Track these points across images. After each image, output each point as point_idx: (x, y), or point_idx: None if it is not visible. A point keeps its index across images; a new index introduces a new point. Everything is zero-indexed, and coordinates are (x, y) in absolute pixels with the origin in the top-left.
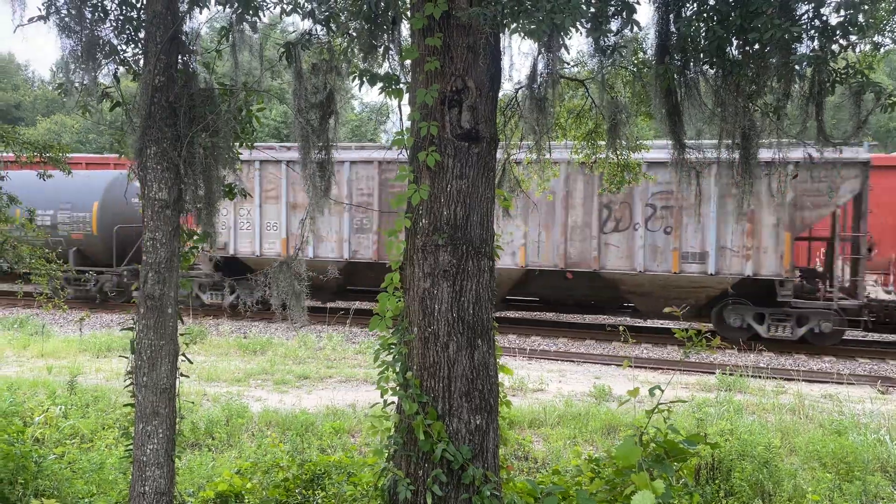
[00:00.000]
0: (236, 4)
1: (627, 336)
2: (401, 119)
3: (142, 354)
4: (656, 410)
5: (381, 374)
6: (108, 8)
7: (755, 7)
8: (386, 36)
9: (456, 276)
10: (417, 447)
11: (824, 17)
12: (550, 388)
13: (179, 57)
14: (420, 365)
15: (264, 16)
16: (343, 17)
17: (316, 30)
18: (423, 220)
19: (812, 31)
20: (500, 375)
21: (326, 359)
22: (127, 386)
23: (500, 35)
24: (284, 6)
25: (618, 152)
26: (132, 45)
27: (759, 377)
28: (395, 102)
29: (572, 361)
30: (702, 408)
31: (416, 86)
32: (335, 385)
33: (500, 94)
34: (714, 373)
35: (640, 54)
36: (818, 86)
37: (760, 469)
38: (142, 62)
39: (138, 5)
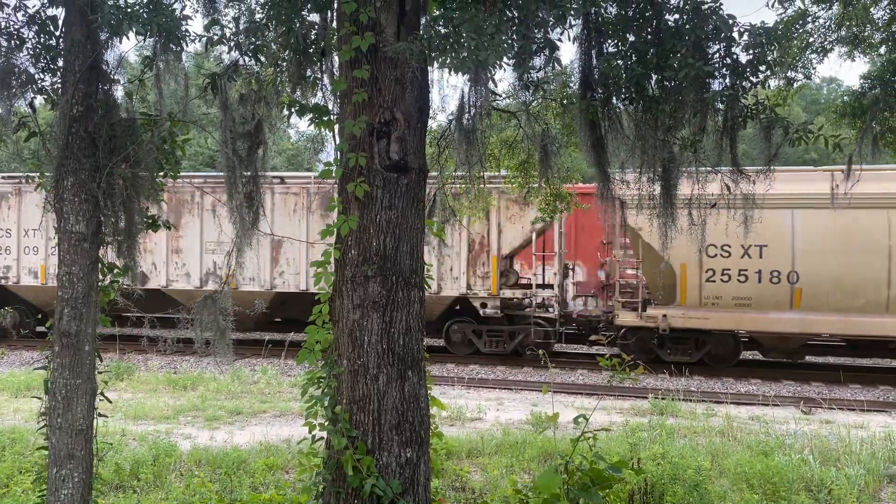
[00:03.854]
0: (158, 34)
1: (547, 361)
2: (335, 149)
3: (56, 395)
4: (582, 438)
5: (309, 409)
6: (26, 36)
7: (670, 46)
8: (316, 67)
9: (386, 307)
10: (346, 483)
11: (735, 56)
12: (489, 417)
13: (100, 86)
14: (349, 398)
15: (188, 46)
16: (273, 49)
17: (244, 60)
18: (353, 251)
19: (724, 69)
20: (433, 408)
21: (261, 393)
22: (41, 428)
23: (428, 68)
24: (211, 37)
25: (549, 182)
26: (50, 74)
27: (690, 401)
28: (327, 132)
29: (510, 389)
30: (635, 432)
31: (345, 117)
32: (269, 420)
33: (435, 125)
34: (647, 397)
35: (567, 89)
36: (731, 120)
37: (691, 492)
38: (60, 91)
39: (57, 33)
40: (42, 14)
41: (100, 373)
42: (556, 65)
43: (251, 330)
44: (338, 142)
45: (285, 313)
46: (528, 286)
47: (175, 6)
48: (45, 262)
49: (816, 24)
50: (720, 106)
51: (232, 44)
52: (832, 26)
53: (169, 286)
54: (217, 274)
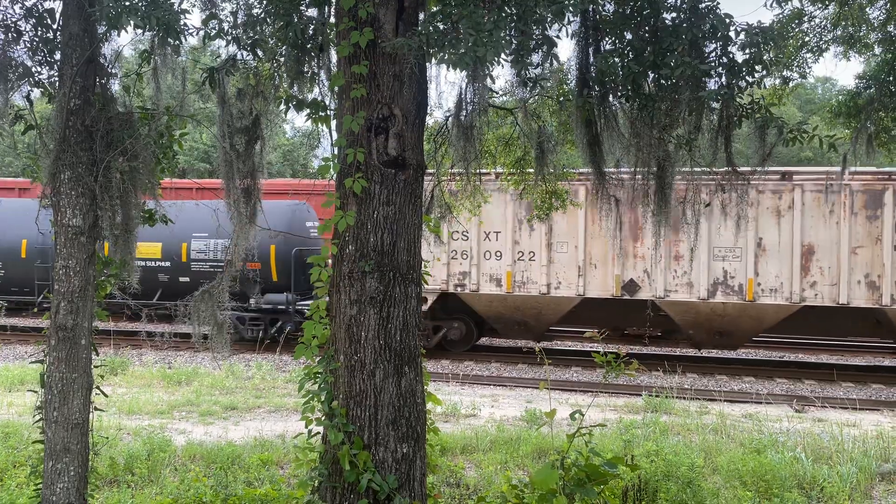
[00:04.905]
0: (157, 28)
1: (544, 358)
2: (331, 145)
3: (52, 388)
4: (578, 434)
5: (305, 404)
6: (23, 29)
7: (667, 45)
8: (314, 62)
9: (383, 302)
10: (343, 478)
11: (731, 55)
12: (483, 414)
13: (97, 80)
14: (346, 393)
15: (186, 40)
16: (270, 44)
17: (242, 55)
18: (350, 247)
19: (720, 68)
20: (429, 403)
21: (255, 388)
22: (37, 421)
23: (427, 64)
24: (208, 31)
25: (546, 179)
26: (47, 67)
27: (684, 398)
28: (324, 128)
29: (505, 386)
30: (629, 429)
31: (343, 112)
32: (264, 415)
33: (431, 121)
34: (641, 395)
35: (564, 86)
36: (726, 119)
37: (684, 489)
38: (57, 84)
39: (54, 27)
40: (39, 7)
41: (96, 367)
42: (553, 61)
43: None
44: (334, 137)
45: (809, 330)
46: None
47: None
48: (511, 268)
49: (812, 23)
50: (715, 105)
51: (230, 38)
52: (828, 26)
53: (666, 297)
54: (728, 283)
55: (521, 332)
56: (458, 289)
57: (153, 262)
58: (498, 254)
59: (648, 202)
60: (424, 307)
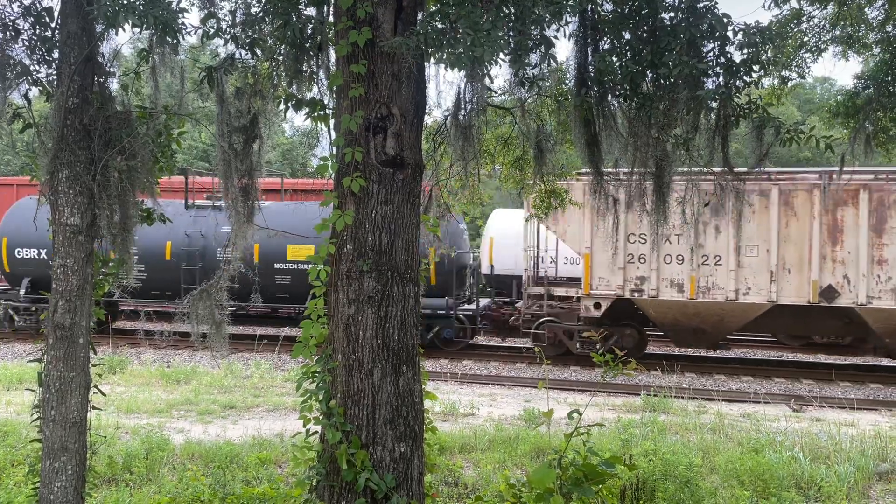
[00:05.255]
0: (155, 27)
1: (543, 357)
2: (330, 144)
3: (50, 387)
4: (576, 433)
5: (303, 403)
6: (21, 27)
7: (665, 44)
8: (312, 61)
9: (381, 302)
10: (340, 477)
11: (729, 55)
12: (482, 413)
13: (95, 78)
14: (344, 393)
15: (184, 39)
16: (269, 43)
17: (240, 54)
18: (348, 246)
19: (718, 68)
20: (427, 402)
21: (254, 387)
22: (34, 420)
23: (425, 63)
24: (207, 30)
25: (544, 178)
26: (45, 66)
27: (682, 398)
28: (322, 127)
29: (503, 385)
30: (627, 429)
31: (342, 112)
32: (262, 414)
33: (430, 121)
34: (639, 394)
35: (563, 86)
36: (724, 119)
37: (682, 488)
38: (55, 83)
39: (53, 25)
40: (38, 5)
41: (94, 366)
42: (551, 61)
43: None
44: (333, 137)
45: None
46: None
47: None
48: (695, 273)
49: (811, 23)
50: (713, 104)
51: (228, 37)
52: (827, 26)
53: (868, 304)
54: None
55: (697, 339)
56: (635, 294)
57: (307, 265)
58: (679, 258)
59: (851, 203)
60: (598, 313)
